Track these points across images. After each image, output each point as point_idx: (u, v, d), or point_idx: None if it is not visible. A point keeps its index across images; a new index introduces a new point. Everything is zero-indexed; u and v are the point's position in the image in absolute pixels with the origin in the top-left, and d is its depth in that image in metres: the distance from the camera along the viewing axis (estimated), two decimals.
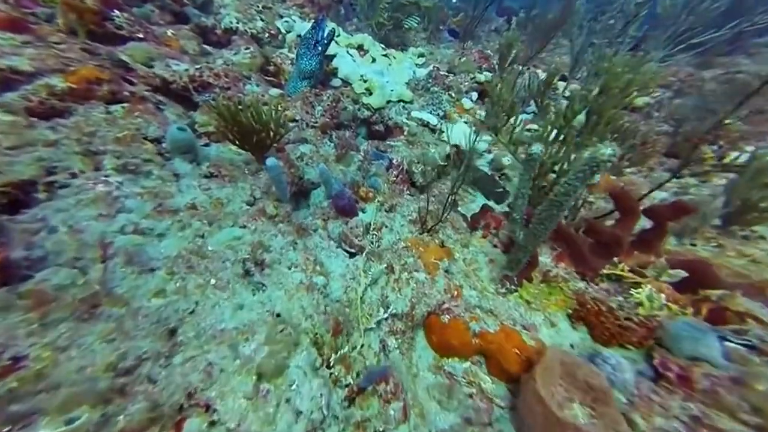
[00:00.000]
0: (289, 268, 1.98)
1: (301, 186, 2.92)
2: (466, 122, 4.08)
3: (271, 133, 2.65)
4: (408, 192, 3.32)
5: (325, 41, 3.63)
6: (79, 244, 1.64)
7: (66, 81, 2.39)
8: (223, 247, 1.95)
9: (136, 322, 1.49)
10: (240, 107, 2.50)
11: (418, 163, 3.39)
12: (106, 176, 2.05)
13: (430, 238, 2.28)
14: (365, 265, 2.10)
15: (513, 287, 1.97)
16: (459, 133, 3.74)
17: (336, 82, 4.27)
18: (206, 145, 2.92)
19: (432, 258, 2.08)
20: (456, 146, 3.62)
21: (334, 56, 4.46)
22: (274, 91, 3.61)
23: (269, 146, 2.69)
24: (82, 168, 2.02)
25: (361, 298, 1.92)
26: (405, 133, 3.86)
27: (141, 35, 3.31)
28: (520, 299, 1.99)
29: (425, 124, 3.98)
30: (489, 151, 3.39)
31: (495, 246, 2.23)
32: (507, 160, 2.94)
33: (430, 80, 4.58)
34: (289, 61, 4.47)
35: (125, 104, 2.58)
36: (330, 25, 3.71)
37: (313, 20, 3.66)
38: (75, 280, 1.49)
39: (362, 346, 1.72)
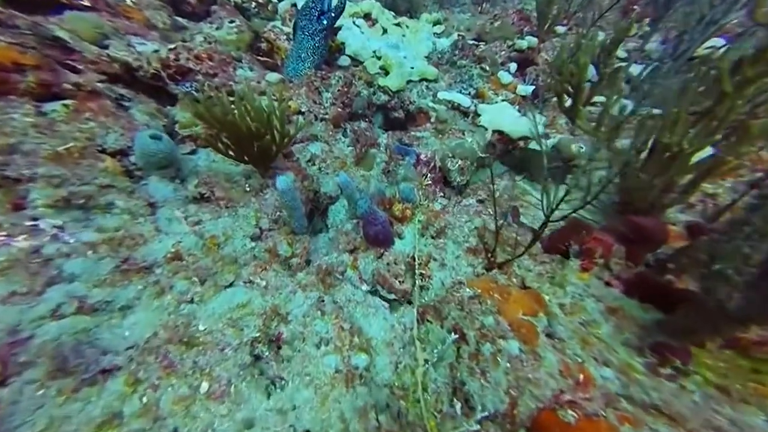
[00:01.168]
0: (318, 346, 1.32)
1: (316, 202, 2.20)
2: (505, 100, 3.26)
3: (276, 136, 1.90)
4: (442, 194, 2.60)
5: (332, 14, 2.77)
6: None
7: None
8: (222, 324, 1.27)
9: None
10: (231, 103, 1.74)
11: (453, 157, 2.64)
12: (34, 220, 1.34)
13: (504, 277, 1.59)
14: (418, 328, 1.44)
15: (680, 363, 1.25)
16: (499, 114, 2.95)
17: (344, 60, 3.41)
18: (192, 152, 2.17)
19: (519, 312, 1.40)
20: (500, 132, 2.85)
21: (339, 28, 3.57)
22: (272, 76, 2.79)
23: (275, 154, 1.95)
24: None
25: (422, 383, 1.27)
26: (432, 119, 3.07)
27: (86, 2, 2.44)
28: (704, 383, 1.33)
29: (455, 107, 3.17)
30: (547, 136, 2.63)
31: (608, 284, 1.53)
32: (577, 147, 2.20)
33: (456, 51, 3.70)
34: (285, 37, 3.58)
35: (68, 102, 1.81)
36: None
37: None
38: None
39: None
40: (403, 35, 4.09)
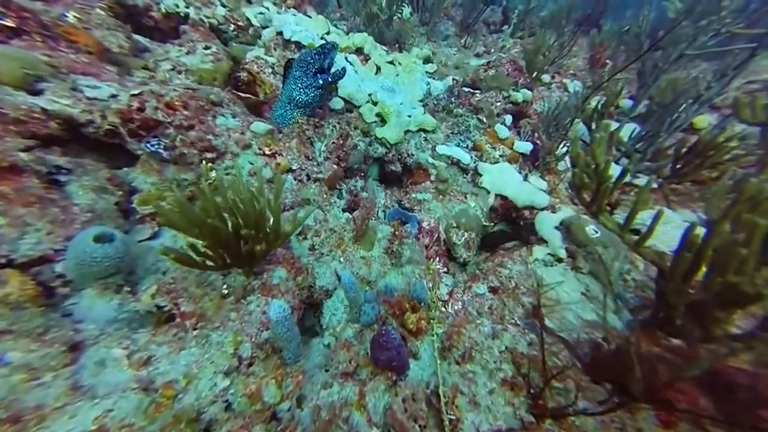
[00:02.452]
0: None
1: (310, 297, 1.80)
2: (502, 156, 3.04)
3: (269, 235, 1.48)
4: (446, 269, 2.31)
5: (330, 78, 2.39)
6: None
7: None
8: None
9: None
10: (215, 195, 1.31)
11: (458, 227, 2.36)
12: None
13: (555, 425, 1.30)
14: None
15: None
16: (501, 176, 2.71)
17: (337, 102, 3.02)
18: (153, 236, 1.68)
19: None
20: (503, 197, 2.61)
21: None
22: (259, 126, 2.33)
23: (263, 255, 1.52)
24: None
25: None
26: (432, 177, 2.77)
27: (9, 22, 1.82)
28: None
29: (455, 162, 2.90)
30: (552, 209, 2.41)
31: None
32: (593, 230, 2.00)
33: (452, 99, 3.44)
34: (270, 70, 3.12)
35: None
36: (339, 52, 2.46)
37: (321, 44, 2.38)
38: None
39: None
40: (397, 74, 3.76)
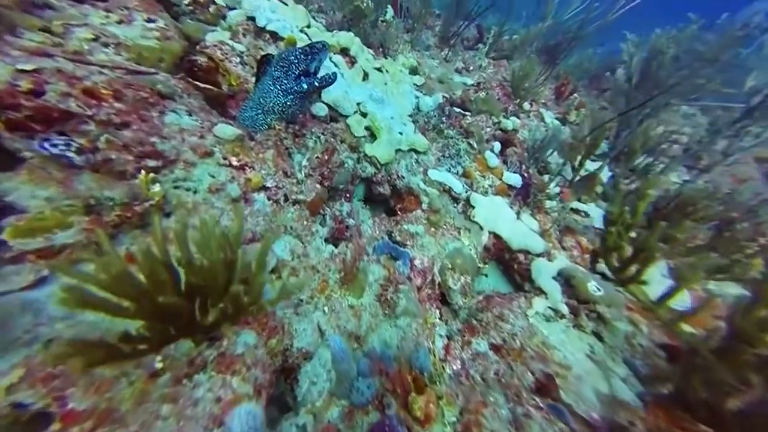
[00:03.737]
0: None
1: (285, 365, 1.39)
2: (491, 186, 2.88)
3: (240, 296, 1.05)
4: (438, 312, 2.04)
5: (317, 83, 1.97)
6: None
7: None
8: None
9: None
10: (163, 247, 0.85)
11: (452, 268, 2.11)
12: None
13: None
14: None
15: None
16: (494, 212, 2.53)
17: (321, 109, 2.59)
18: (34, 285, 1.12)
19: None
20: (496, 235, 2.42)
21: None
22: (225, 130, 1.82)
23: (231, 320, 1.07)
24: None
25: None
26: (423, 205, 2.49)
27: None
28: None
29: (446, 189, 2.66)
30: (548, 256, 2.26)
31: None
32: (595, 287, 1.87)
33: (444, 119, 3.21)
34: (237, 59, 2.58)
35: None
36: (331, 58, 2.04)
37: (308, 43, 1.93)
38: None
39: None
40: (386, 83, 3.43)
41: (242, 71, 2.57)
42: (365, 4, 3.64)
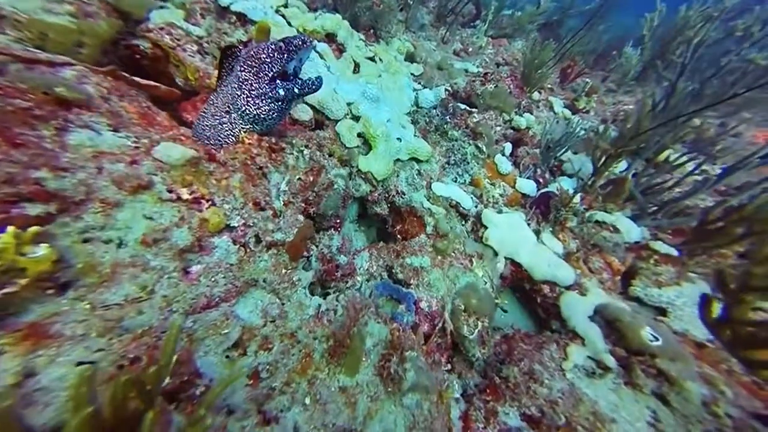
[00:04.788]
0: None
1: None
2: (502, 195, 2.48)
3: None
4: (449, 365, 1.69)
5: (297, 89, 1.51)
6: None
7: None
8: None
9: None
10: None
11: (467, 311, 1.74)
12: None
13: None
14: None
15: None
16: (511, 233, 2.15)
17: (304, 110, 2.10)
18: None
19: None
20: (514, 262, 2.05)
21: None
22: (171, 151, 1.34)
23: None
24: None
25: None
26: (429, 228, 2.08)
27: None
28: None
29: (453, 205, 2.25)
30: (580, 288, 1.88)
31: None
32: (651, 335, 1.54)
33: (447, 117, 2.75)
34: (195, 47, 2.06)
35: None
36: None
37: (286, 38, 1.42)
38: None
39: None
40: (379, 75, 2.92)
41: (201, 63, 2.04)
42: None
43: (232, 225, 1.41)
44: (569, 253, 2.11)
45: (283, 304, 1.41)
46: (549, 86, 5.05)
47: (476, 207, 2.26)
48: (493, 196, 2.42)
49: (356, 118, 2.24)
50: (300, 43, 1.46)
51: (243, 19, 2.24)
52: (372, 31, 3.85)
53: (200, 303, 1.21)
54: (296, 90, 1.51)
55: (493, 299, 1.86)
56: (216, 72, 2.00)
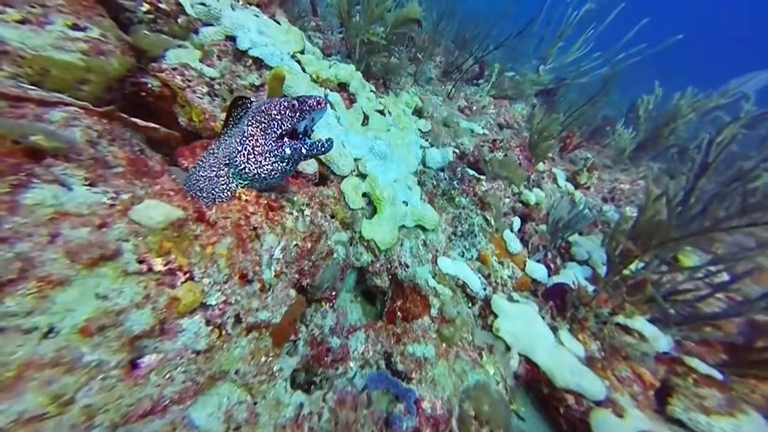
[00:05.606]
0: None
1: None
2: (511, 277, 2.39)
3: None
4: None
5: (305, 150, 1.45)
6: None
7: None
8: None
9: None
10: None
11: (478, 419, 1.52)
12: None
13: None
14: None
15: None
16: (526, 328, 2.01)
17: (308, 164, 2.01)
18: None
19: None
20: (529, 360, 1.89)
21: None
22: (152, 212, 1.16)
23: None
24: None
25: None
26: (434, 311, 1.92)
27: None
28: None
29: (459, 284, 2.13)
30: (614, 406, 1.68)
31: None
32: None
33: (455, 182, 2.75)
34: (205, 88, 1.99)
35: None
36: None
37: (301, 96, 1.39)
38: None
39: None
40: (388, 129, 2.94)
41: (209, 105, 1.96)
42: (377, 35, 3.21)
43: (208, 303, 1.21)
44: (592, 358, 1.97)
45: (255, 403, 1.17)
46: (550, 155, 5.32)
47: (485, 290, 2.14)
48: (501, 277, 2.33)
49: (362, 176, 2.17)
50: (314, 103, 1.42)
51: (259, 63, 2.24)
52: (381, 81, 4.02)
53: (140, 409, 0.96)
54: (304, 151, 1.43)
55: (507, 404, 1.66)
56: (223, 115, 1.94)
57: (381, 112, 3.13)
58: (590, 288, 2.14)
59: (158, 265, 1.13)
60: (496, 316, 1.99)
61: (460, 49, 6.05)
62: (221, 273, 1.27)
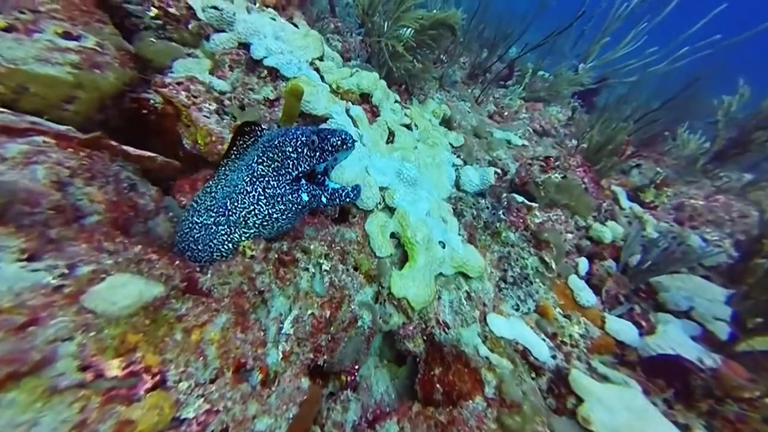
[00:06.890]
0: None
1: None
2: (583, 336, 1.98)
3: None
4: None
5: (325, 198, 1.26)
6: None
7: None
8: None
9: None
10: None
11: None
12: None
13: None
14: None
15: None
16: (628, 417, 1.58)
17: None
18: None
19: None
20: None
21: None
22: (116, 294, 0.91)
23: None
24: None
25: None
26: (488, 389, 1.55)
27: None
28: None
29: (520, 350, 1.75)
30: None
31: None
32: None
33: (501, 211, 2.39)
34: (213, 105, 1.78)
35: None
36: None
37: (322, 130, 1.17)
38: None
39: None
40: (416, 147, 2.64)
41: (216, 125, 1.75)
42: (401, 43, 2.97)
43: (183, 417, 0.91)
44: None
45: None
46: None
47: (554, 357, 1.75)
48: (570, 336, 1.93)
49: (389, 209, 1.86)
50: (339, 143, 1.19)
51: (274, 74, 2.04)
52: (404, 87, 3.76)
53: None
54: (324, 200, 1.21)
55: None
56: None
57: (407, 126, 2.84)
58: (717, 359, 1.69)
59: (113, 369, 0.85)
60: (580, 400, 1.58)
61: (489, 48, 5.77)
62: (208, 369, 0.98)
